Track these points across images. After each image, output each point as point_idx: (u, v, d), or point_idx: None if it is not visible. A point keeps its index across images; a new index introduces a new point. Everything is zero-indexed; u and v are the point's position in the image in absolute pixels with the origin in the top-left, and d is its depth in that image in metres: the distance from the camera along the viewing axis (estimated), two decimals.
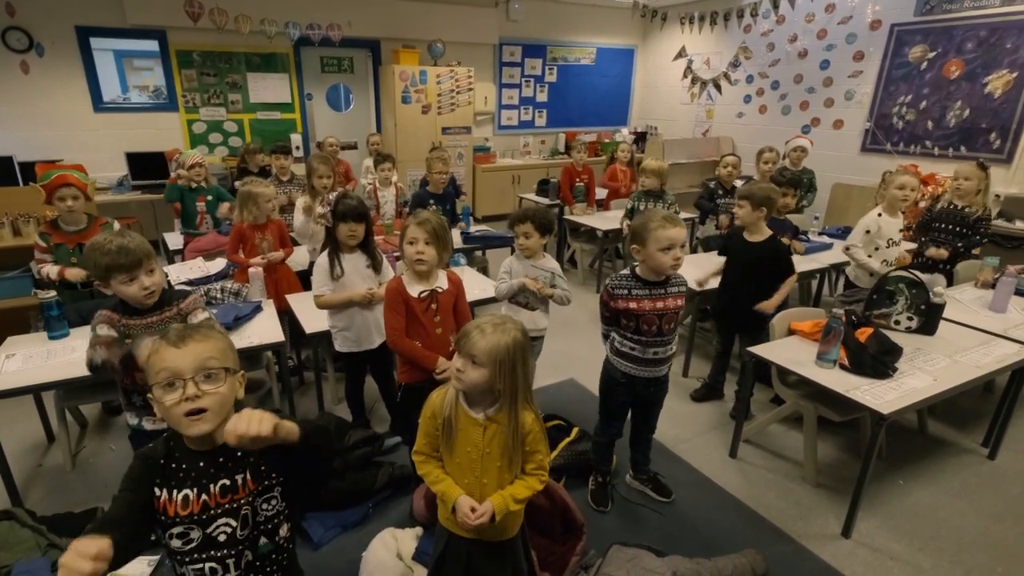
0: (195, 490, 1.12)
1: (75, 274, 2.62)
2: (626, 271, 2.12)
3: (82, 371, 2.05)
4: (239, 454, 1.16)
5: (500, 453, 1.46)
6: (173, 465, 1.13)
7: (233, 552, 1.18)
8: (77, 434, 2.86)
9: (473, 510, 1.43)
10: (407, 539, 2.02)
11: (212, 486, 1.14)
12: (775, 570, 2.05)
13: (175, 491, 1.12)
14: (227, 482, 1.15)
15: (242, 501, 1.17)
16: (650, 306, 2.05)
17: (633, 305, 2.06)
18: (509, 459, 1.46)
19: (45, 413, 2.78)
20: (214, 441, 1.14)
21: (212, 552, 1.15)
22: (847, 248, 3.24)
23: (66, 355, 2.28)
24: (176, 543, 1.13)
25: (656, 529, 2.27)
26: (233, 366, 1.15)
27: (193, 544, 1.14)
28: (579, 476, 2.49)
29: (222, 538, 1.16)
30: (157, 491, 1.12)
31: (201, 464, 1.13)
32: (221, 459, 1.15)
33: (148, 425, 1.87)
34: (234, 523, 1.16)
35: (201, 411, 1.08)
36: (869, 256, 3.19)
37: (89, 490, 2.47)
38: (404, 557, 1.95)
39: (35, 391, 2.27)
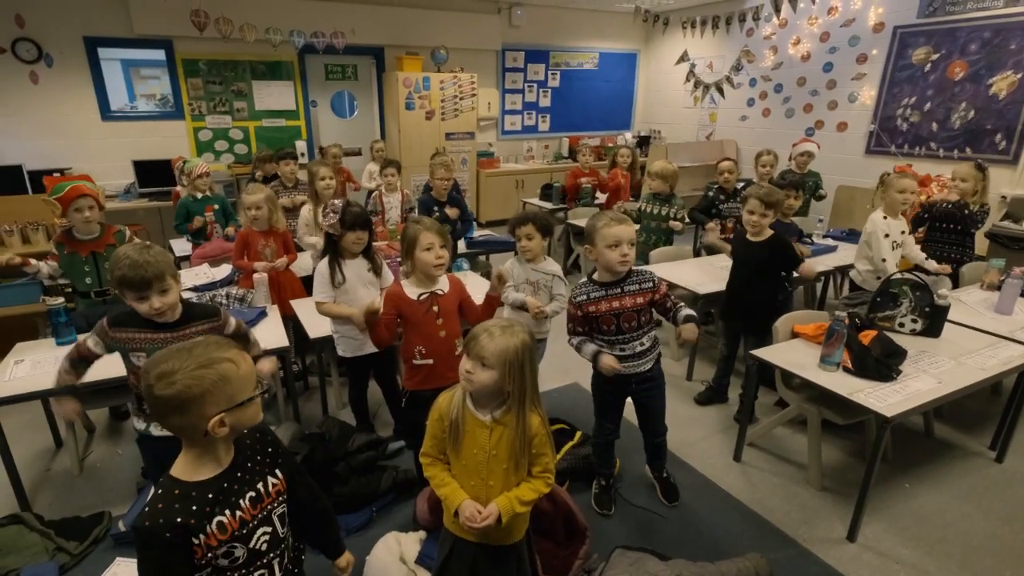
0: (227, 512, 1.11)
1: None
2: (584, 278, 2.18)
3: (90, 377, 2.08)
4: (249, 464, 1.18)
5: (507, 455, 1.46)
6: (195, 508, 1.07)
7: (277, 552, 1.21)
8: (85, 439, 2.88)
9: (480, 512, 1.44)
10: (411, 543, 2.03)
11: (241, 501, 1.14)
12: (780, 574, 2.04)
13: (207, 524, 1.08)
14: (253, 493, 1.16)
15: (274, 504, 1.20)
16: (606, 307, 2.10)
17: (592, 308, 2.11)
18: (516, 461, 1.47)
19: (53, 418, 2.80)
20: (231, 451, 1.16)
21: (259, 562, 1.18)
22: (883, 260, 3.09)
23: None
24: (223, 562, 1.13)
25: (659, 533, 2.27)
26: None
27: (240, 561, 1.14)
28: (582, 480, 2.49)
29: (264, 547, 1.18)
30: (195, 540, 1.07)
31: (225, 485, 1.12)
32: (239, 473, 1.16)
33: (156, 431, 1.87)
34: (269, 528, 1.19)
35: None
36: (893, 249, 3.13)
37: (97, 494, 2.49)
38: (408, 561, 1.95)
39: (43, 396, 2.29)
